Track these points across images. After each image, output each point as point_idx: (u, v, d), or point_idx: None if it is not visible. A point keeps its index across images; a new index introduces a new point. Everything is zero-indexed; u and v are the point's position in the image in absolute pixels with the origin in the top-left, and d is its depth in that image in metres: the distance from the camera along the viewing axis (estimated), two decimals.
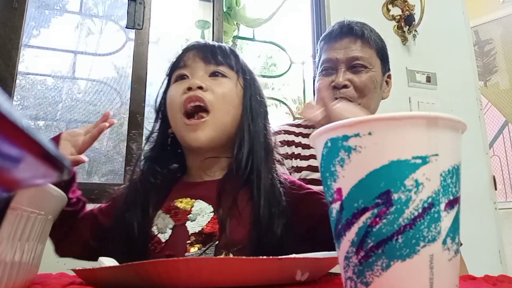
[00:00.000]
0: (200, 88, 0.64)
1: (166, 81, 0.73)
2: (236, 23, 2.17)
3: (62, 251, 0.68)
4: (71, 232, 0.66)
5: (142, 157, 0.70)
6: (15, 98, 1.56)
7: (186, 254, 0.59)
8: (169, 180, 0.68)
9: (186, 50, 0.71)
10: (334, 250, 0.32)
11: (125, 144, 1.59)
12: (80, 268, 0.41)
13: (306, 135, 1.06)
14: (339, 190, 0.29)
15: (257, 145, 0.66)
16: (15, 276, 0.34)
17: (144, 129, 1.62)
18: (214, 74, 0.67)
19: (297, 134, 1.04)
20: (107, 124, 0.69)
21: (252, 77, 0.72)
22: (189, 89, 0.64)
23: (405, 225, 0.27)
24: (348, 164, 0.28)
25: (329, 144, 0.30)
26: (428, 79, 2.02)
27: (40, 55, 1.76)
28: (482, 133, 2.07)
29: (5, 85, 1.42)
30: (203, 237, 0.59)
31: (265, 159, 0.65)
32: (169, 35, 2.06)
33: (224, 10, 1.97)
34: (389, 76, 1.04)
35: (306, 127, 1.08)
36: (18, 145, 0.14)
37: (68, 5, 1.90)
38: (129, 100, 1.62)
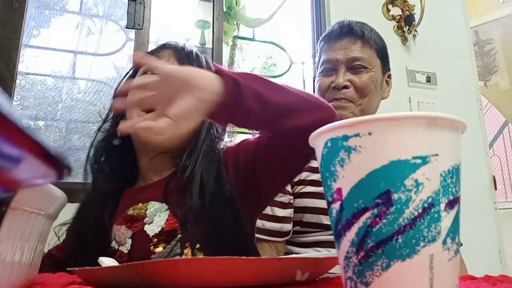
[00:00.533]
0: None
1: (131, 71, 0.72)
2: (236, 23, 2.17)
3: None
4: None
5: (92, 151, 0.67)
6: (15, 98, 1.56)
7: (153, 256, 0.58)
8: (117, 189, 0.66)
9: (163, 47, 0.71)
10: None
11: None
12: (80, 268, 0.41)
13: None
14: (339, 190, 0.29)
15: (201, 147, 0.65)
16: (15, 276, 0.34)
17: None
18: None
19: None
20: None
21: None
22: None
23: (405, 225, 0.27)
24: (348, 164, 0.29)
25: (329, 144, 0.30)
26: (428, 79, 2.02)
27: (40, 55, 1.76)
28: (482, 133, 2.07)
29: (5, 85, 1.42)
30: (165, 236, 0.59)
31: (208, 156, 0.64)
32: (169, 35, 2.06)
33: (224, 10, 1.97)
34: (389, 76, 1.04)
35: None
36: (18, 145, 0.14)
37: (68, 5, 1.90)
38: None
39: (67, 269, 0.47)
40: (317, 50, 1.05)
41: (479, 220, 1.90)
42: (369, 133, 0.28)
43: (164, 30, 2.01)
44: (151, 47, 1.70)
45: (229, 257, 0.37)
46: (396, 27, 2.05)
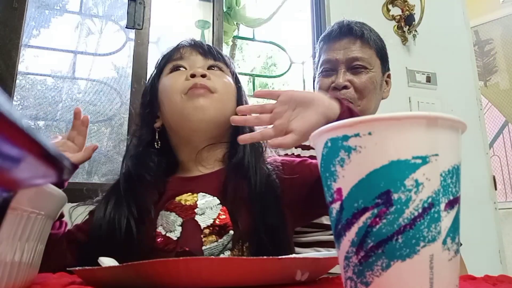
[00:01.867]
0: (203, 76, 0.64)
1: (155, 73, 0.72)
2: (236, 23, 2.17)
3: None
4: (53, 258, 0.60)
5: (129, 156, 0.69)
6: (15, 98, 1.56)
7: (204, 247, 0.58)
8: (160, 178, 0.67)
9: (181, 45, 0.72)
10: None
11: (125, 144, 1.59)
12: (80, 268, 0.41)
13: None
14: (339, 190, 0.29)
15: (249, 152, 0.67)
16: (15, 276, 0.34)
17: None
18: (212, 67, 0.69)
19: None
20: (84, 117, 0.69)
21: (241, 85, 0.72)
22: (192, 76, 0.64)
23: (405, 225, 0.27)
24: (348, 164, 0.29)
25: (329, 144, 0.30)
26: (428, 79, 2.02)
27: (40, 55, 1.76)
28: (482, 133, 2.07)
29: (5, 85, 1.42)
30: (217, 229, 0.59)
31: (259, 152, 0.67)
32: (169, 35, 2.06)
33: (224, 10, 1.97)
34: (388, 76, 1.04)
35: None
36: (18, 145, 0.14)
37: (68, 5, 1.90)
38: (129, 100, 1.62)
39: (67, 269, 0.47)
40: (316, 50, 1.05)
41: (479, 220, 1.90)
42: (369, 133, 0.28)
43: (164, 30, 2.01)
44: (151, 47, 1.70)
45: (229, 257, 0.37)
46: (396, 27, 2.05)
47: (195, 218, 0.60)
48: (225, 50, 1.86)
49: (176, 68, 0.68)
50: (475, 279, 0.47)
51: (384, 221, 0.27)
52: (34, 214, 0.36)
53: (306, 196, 0.63)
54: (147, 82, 0.74)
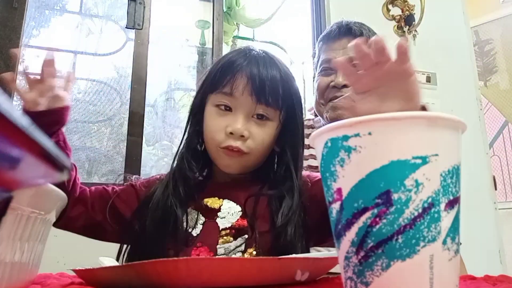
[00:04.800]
0: (242, 135, 0.64)
1: (205, 86, 0.69)
2: (236, 23, 2.17)
3: (63, 223, 0.65)
4: (76, 203, 0.66)
5: (180, 153, 0.71)
6: (15, 98, 1.56)
7: (218, 246, 0.63)
8: (198, 179, 0.71)
9: (235, 70, 0.65)
10: None
11: (125, 144, 1.59)
12: (80, 268, 0.41)
13: (305, 135, 1.06)
14: (339, 190, 0.29)
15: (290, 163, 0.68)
16: (15, 276, 0.34)
17: (144, 129, 1.62)
18: (258, 117, 0.65)
19: None
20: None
21: (296, 103, 0.69)
22: (231, 133, 0.64)
23: (405, 225, 0.27)
24: (348, 164, 0.28)
25: (329, 144, 0.30)
26: (428, 79, 2.02)
27: (40, 55, 1.76)
28: (482, 133, 2.07)
29: (5, 85, 1.42)
30: (234, 232, 0.64)
31: (296, 176, 0.67)
32: (169, 35, 2.06)
33: (224, 10, 1.97)
34: None
35: (305, 127, 1.08)
36: (18, 145, 0.14)
37: (68, 5, 1.91)
38: (129, 100, 1.62)
39: (67, 269, 0.47)
40: (315, 50, 1.06)
41: (479, 220, 1.90)
42: (369, 133, 0.28)
43: (164, 30, 2.01)
44: (151, 47, 1.70)
45: (229, 257, 0.37)
46: (396, 27, 2.05)
47: (216, 220, 0.65)
48: (225, 50, 1.86)
49: (223, 106, 0.65)
50: (475, 279, 0.47)
51: (384, 221, 0.27)
52: (34, 214, 0.36)
53: (319, 220, 0.64)
54: (197, 91, 0.73)
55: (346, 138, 0.29)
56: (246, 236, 0.63)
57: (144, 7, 1.68)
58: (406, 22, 2.02)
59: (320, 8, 2.00)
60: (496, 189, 2.04)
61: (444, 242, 0.27)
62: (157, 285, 0.37)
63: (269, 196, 0.66)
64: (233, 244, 0.63)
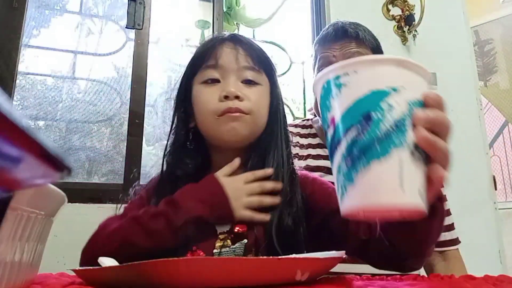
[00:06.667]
0: (237, 97, 0.63)
1: (188, 73, 0.69)
2: (236, 23, 2.17)
3: None
4: None
5: (167, 152, 0.69)
6: (15, 98, 1.56)
7: (214, 251, 0.59)
8: (191, 178, 0.66)
9: (216, 43, 0.67)
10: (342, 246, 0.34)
11: (125, 144, 1.59)
12: (80, 268, 0.41)
13: (303, 135, 1.06)
14: (332, 119, 0.38)
15: (280, 151, 0.67)
16: (15, 276, 0.34)
17: (144, 129, 1.62)
18: (247, 82, 0.66)
19: (295, 134, 1.04)
20: None
21: (276, 79, 0.71)
22: (226, 97, 0.63)
23: (381, 135, 0.35)
24: (339, 97, 0.37)
25: (325, 85, 0.38)
26: None
27: (40, 55, 1.76)
28: (482, 133, 2.07)
29: (5, 85, 1.42)
30: (232, 237, 0.60)
31: (288, 166, 0.66)
32: (169, 35, 2.06)
33: (224, 10, 1.97)
34: None
35: (303, 127, 1.09)
36: (18, 145, 0.14)
37: (68, 5, 1.91)
38: (129, 100, 1.62)
39: (67, 269, 0.47)
40: (312, 52, 1.05)
41: (479, 220, 1.90)
42: (355, 71, 0.36)
43: (164, 30, 2.01)
44: (151, 47, 1.70)
45: (229, 257, 0.37)
46: (396, 27, 2.05)
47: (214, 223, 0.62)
48: None
49: (211, 80, 0.66)
50: (475, 279, 0.47)
51: (366, 134, 0.35)
52: (34, 214, 0.36)
53: (318, 224, 0.63)
54: (180, 78, 0.71)
55: (338, 77, 0.37)
56: (246, 241, 0.61)
57: (144, 7, 1.68)
58: (406, 22, 2.02)
59: (320, 8, 2.00)
60: (496, 189, 2.04)
61: (409, 148, 0.35)
62: (157, 285, 0.37)
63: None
64: (230, 250, 0.60)
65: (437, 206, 0.45)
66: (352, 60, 0.36)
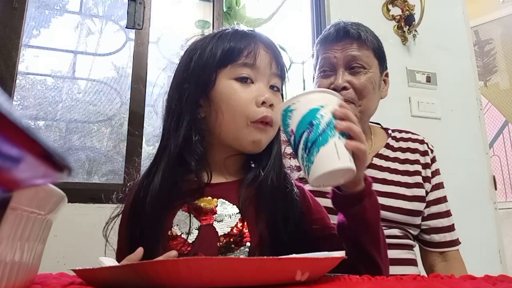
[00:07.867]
0: (271, 105, 0.62)
1: (213, 60, 0.64)
2: (236, 23, 2.17)
3: None
4: None
5: (170, 152, 0.64)
6: (15, 98, 1.56)
7: (219, 255, 0.58)
8: (184, 178, 0.64)
9: (252, 41, 0.64)
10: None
11: (125, 144, 1.59)
12: (80, 268, 0.41)
13: None
14: (292, 130, 0.56)
15: (277, 155, 0.67)
16: (15, 276, 0.34)
17: (144, 129, 1.62)
18: (272, 87, 0.65)
19: None
20: None
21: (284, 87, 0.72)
22: (263, 102, 0.62)
23: (321, 132, 0.54)
24: (292, 117, 0.56)
25: (283, 113, 0.57)
26: (428, 79, 2.02)
27: (40, 55, 1.76)
28: (482, 133, 2.07)
29: (5, 85, 1.42)
30: (233, 239, 0.59)
31: (280, 168, 0.67)
32: (169, 35, 2.06)
33: (224, 10, 1.97)
34: (386, 75, 1.04)
35: None
36: (18, 145, 0.14)
37: (68, 5, 1.90)
38: (129, 100, 1.62)
39: (67, 269, 0.47)
40: (313, 52, 1.05)
41: (479, 220, 1.90)
42: (298, 101, 0.56)
43: (164, 30, 2.01)
44: (151, 47, 1.70)
45: (229, 257, 0.37)
46: (396, 27, 2.05)
47: (213, 225, 0.60)
48: None
49: (244, 79, 0.63)
50: (475, 279, 0.47)
51: (312, 133, 0.54)
52: (34, 214, 0.36)
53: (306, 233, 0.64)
54: (194, 62, 0.65)
55: (289, 106, 0.56)
56: (249, 243, 0.59)
57: (144, 7, 1.68)
58: (406, 22, 2.02)
59: (320, 8, 2.00)
60: (496, 189, 2.04)
61: (337, 135, 0.54)
62: (157, 285, 0.37)
63: (267, 194, 0.63)
64: (236, 254, 0.59)
65: (366, 185, 0.59)
66: (294, 95, 0.56)
